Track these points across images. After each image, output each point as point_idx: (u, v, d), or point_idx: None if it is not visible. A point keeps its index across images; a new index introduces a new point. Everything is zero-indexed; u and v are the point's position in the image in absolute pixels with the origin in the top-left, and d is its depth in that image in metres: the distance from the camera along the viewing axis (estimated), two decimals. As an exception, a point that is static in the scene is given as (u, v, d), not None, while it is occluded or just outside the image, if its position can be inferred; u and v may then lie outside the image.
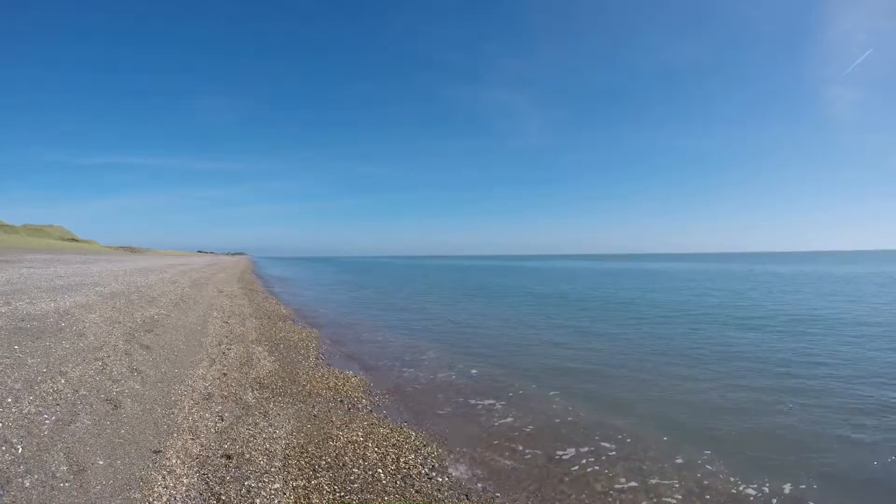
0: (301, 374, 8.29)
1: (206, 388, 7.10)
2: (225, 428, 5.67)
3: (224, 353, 9.25)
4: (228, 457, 4.88)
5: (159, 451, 4.75)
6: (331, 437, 5.64)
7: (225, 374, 7.89)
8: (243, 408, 6.52)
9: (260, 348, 9.92)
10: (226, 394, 7.03)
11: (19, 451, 3.79)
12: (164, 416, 5.68)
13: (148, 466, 4.37)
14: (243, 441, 5.34)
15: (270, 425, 5.91)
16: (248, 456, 5.00)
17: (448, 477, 4.95)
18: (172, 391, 6.78)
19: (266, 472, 4.67)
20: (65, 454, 4.00)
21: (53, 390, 5.20)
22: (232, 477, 4.49)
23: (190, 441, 5.15)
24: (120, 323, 10.47)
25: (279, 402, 6.88)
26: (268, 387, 7.45)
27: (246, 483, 4.38)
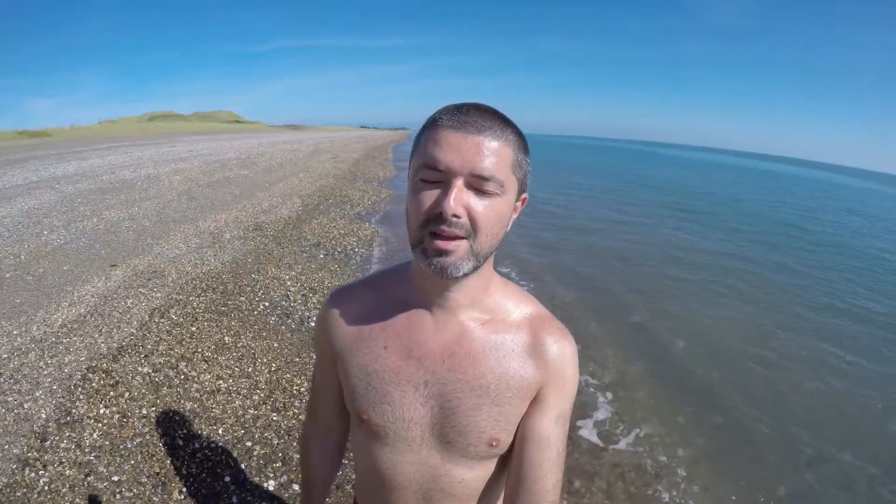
0: (315, 223, 8.56)
1: (207, 228, 7.69)
2: (176, 256, 6.17)
3: (259, 202, 9.85)
4: (154, 272, 5.36)
5: (115, 265, 5.34)
6: (259, 271, 5.87)
7: (237, 218, 8.44)
8: (217, 241, 6.99)
9: (297, 200, 10.39)
10: (215, 231, 7.55)
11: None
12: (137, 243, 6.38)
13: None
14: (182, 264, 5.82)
15: (216, 256, 6.29)
16: (166, 272, 5.47)
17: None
18: (173, 228, 7.53)
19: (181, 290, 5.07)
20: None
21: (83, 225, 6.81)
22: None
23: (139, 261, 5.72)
24: (193, 181, 11.68)
25: (253, 240, 7.22)
26: (262, 229, 7.84)
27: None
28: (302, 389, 3.53)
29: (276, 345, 4.10)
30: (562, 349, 0.91)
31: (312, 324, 4.61)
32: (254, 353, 3.90)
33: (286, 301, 5.07)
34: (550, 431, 0.91)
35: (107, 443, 2.75)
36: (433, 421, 0.89)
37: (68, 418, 2.89)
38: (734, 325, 6.13)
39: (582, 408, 3.83)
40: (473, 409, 0.87)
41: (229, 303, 4.84)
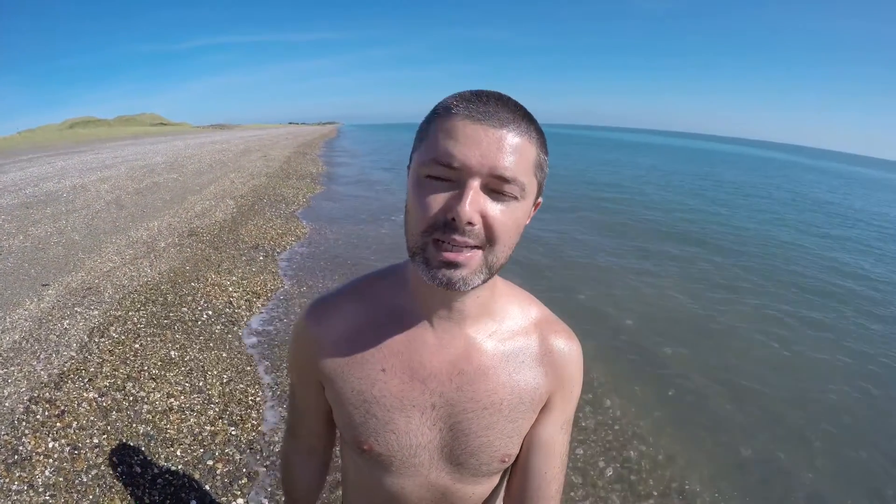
0: (251, 224, 8.38)
1: (140, 237, 7.44)
2: (110, 269, 5.95)
3: (191, 207, 9.57)
4: (88, 289, 5.16)
5: (47, 284, 5.09)
6: (199, 279, 5.71)
7: (170, 224, 8.19)
8: (152, 250, 6.78)
9: (231, 202, 10.14)
10: (148, 240, 7.33)
11: None
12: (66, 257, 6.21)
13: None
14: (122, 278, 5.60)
15: (151, 267, 6.09)
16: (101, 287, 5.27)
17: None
18: (104, 240, 7.29)
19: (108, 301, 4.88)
20: None
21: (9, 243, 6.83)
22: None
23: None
24: (121, 189, 11.23)
25: (189, 247, 7.04)
26: (197, 234, 7.63)
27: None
28: (258, 399, 3.47)
29: (224, 355, 4.02)
30: (570, 354, 0.87)
31: (256, 327, 4.56)
32: (203, 366, 3.81)
33: (230, 308, 4.97)
34: (556, 438, 0.88)
35: (61, 479, 2.61)
36: (442, 444, 0.83)
37: (16, 457, 2.73)
38: (677, 300, 6.35)
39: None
40: (486, 429, 0.81)
41: (171, 314, 4.71)
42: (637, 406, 3.85)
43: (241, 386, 3.61)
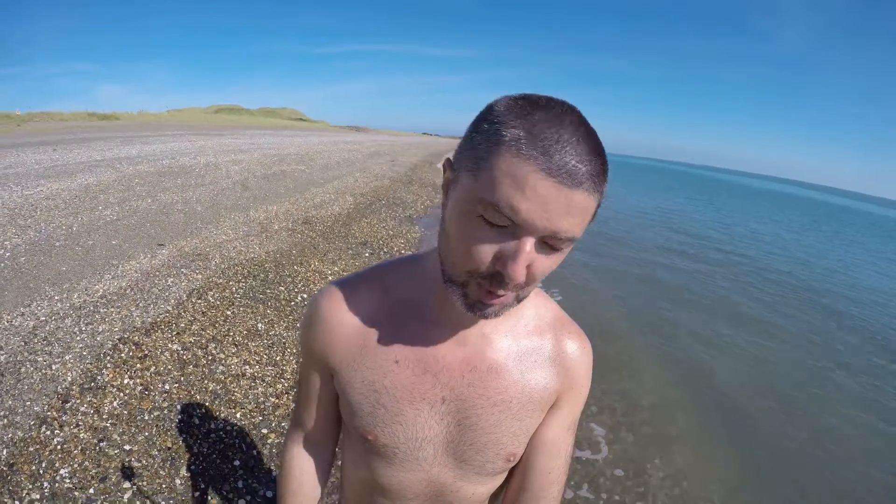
0: (364, 222, 8.67)
1: (257, 218, 7.89)
2: (223, 241, 6.32)
3: (311, 198, 10.03)
4: (198, 255, 5.53)
5: (162, 244, 5.53)
6: (302, 263, 5.96)
7: (287, 210, 8.62)
8: (265, 231, 7.14)
9: (350, 198, 10.53)
10: (264, 221, 7.74)
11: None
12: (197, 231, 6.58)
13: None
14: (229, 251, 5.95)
15: (261, 245, 6.42)
16: (210, 256, 5.61)
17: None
18: (224, 215, 7.76)
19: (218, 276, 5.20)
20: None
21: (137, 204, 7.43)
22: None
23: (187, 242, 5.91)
24: (250, 172, 12.00)
25: (300, 233, 7.36)
26: (311, 223, 7.98)
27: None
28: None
29: (308, 337, 4.11)
30: (582, 355, 0.87)
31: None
32: (284, 343, 3.93)
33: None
34: (562, 440, 0.87)
35: (125, 412, 2.81)
36: (448, 439, 0.83)
37: (92, 384, 2.97)
38: (784, 360, 5.90)
39: (613, 429, 3.72)
40: (494, 426, 0.81)
41: (268, 291, 4.90)
42: (714, 464, 3.63)
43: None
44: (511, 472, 0.91)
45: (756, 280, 9.99)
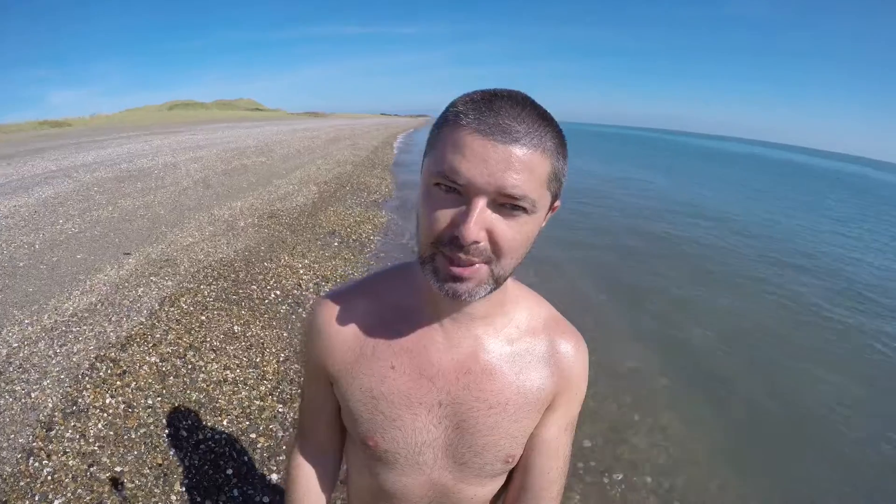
0: (331, 211, 8.59)
1: (222, 216, 7.77)
2: (189, 244, 6.22)
3: (275, 190, 9.91)
4: (166, 261, 5.44)
5: (128, 253, 5.42)
6: (272, 259, 5.88)
7: (252, 206, 8.50)
8: (231, 229, 7.06)
9: (314, 187, 10.42)
10: (229, 218, 7.65)
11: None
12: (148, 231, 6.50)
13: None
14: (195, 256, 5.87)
15: (228, 245, 6.34)
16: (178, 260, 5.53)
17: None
18: (188, 216, 7.64)
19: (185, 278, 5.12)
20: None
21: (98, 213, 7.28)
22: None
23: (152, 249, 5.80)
24: (210, 169, 11.79)
25: (267, 228, 7.28)
26: (277, 216, 7.89)
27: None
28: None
29: (285, 335, 4.11)
30: (577, 356, 0.87)
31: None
32: (263, 343, 3.91)
33: (298, 290, 5.09)
34: (560, 440, 0.88)
35: (111, 433, 2.77)
36: (447, 442, 0.84)
37: (74, 408, 2.92)
38: (757, 318, 6.03)
39: (599, 399, 3.78)
40: (491, 428, 0.82)
41: (240, 291, 4.86)
42: (696, 428, 3.67)
43: (297, 366, 3.67)
44: (511, 472, 0.91)
45: (711, 239, 10.19)
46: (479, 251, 0.65)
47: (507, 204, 0.63)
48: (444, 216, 0.65)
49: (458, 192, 0.63)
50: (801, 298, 6.74)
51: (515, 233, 0.65)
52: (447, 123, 0.65)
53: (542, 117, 0.64)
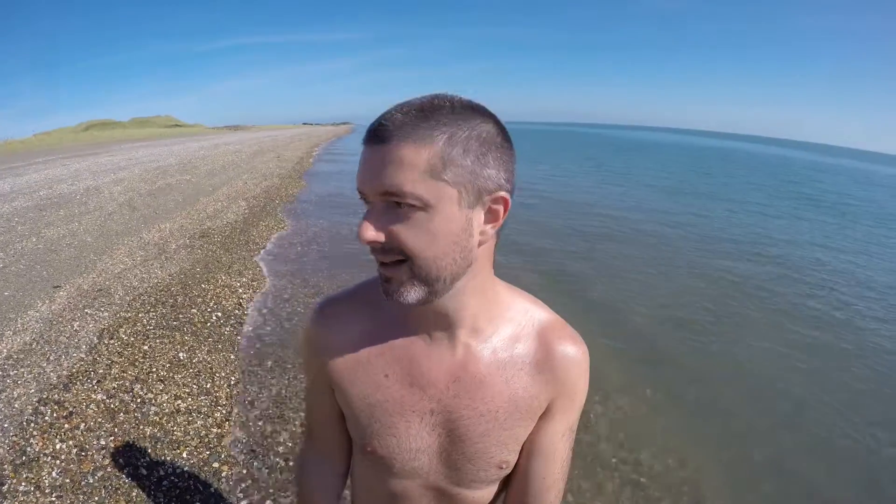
0: (262, 225, 8.47)
1: (152, 239, 7.52)
2: (121, 271, 6.02)
3: (203, 208, 9.65)
4: (99, 290, 5.23)
5: (58, 285, 5.21)
6: (209, 280, 5.75)
7: (182, 226, 8.25)
8: (163, 252, 6.86)
9: (243, 203, 10.22)
10: (159, 241, 7.42)
11: None
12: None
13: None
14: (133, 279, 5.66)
15: (162, 268, 6.15)
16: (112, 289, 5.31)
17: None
18: (116, 242, 7.37)
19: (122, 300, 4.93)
20: None
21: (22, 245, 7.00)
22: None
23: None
24: (134, 191, 11.34)
25: (200, 248, 7.11)
26: (208, 235, 7.69)
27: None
28: (263, 400, 3.50)
29: (232, 357, 4.04)
30: (573, 360, 0.83)
31: (267, 329, 4.58)
32: (211, 368, 3.83)
33: (239, 309, 5.00)
34: (557, 446, 0.88)
35: (67, 480, 2.63)
36: (441, 449, 0.84)
37: (24, 458, 2.76)
38: (691, 296, 6.31)
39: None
40: (482, 436, 0.82)
41: (181, 316, 4.74)
42: (651, 407, 3.84)
43: (251, 387, 3.61)
44: (510, 476, 0.91)
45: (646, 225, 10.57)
46: (387, 250, 0.67)
47: (400, 203, 0.64)
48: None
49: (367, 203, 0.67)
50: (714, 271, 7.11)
51: (417, 231, 0.65)
52: None
53: (428, 108, 0.64)
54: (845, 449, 3.52)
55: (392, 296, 0.70)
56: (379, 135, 0.63)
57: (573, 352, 0.84)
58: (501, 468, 0.87)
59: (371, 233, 0.66)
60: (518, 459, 0.89)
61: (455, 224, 0.67)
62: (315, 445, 1.03)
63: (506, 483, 0.95)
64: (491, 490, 0.93)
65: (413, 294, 0.70)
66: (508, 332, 0.83)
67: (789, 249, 8.83)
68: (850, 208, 15.09)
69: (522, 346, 0.83)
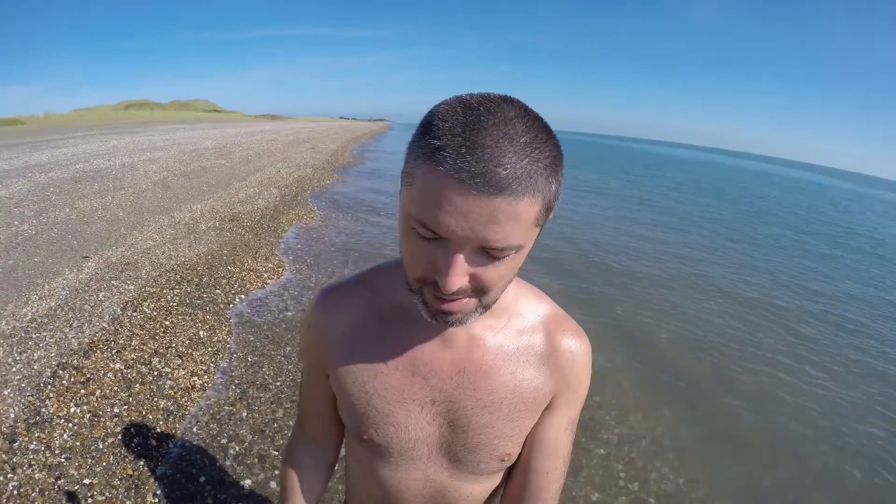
0: (293, 213, 8.50)
1: (183, 218, 7.56)
2: (150, 247, 6.04)
3: (235, 193, 9.71)
4: (127, 264, 5.24)
5: (87, 256, 5.19)
6: (235, 263, 5.76)
7: (213, 208, 8.30)
8: (192, 232, 6.88)
9: (275, 190, 10.26)
10: (190, 221, 7.45)
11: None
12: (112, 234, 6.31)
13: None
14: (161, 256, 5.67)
15: (190, 248, 6.17)
16: (140, 264, 5.33)
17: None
18: (147, 219, 7.40)
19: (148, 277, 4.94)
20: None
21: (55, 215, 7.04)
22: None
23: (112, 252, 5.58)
24: (169, 171, 11.47)
25: (229, 231, 7.12)
26: (239, 219, 7.72)
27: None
28: (278, 383, 3.48)
29: (251, 338, 4.02)
30: (577, 353, 0.83)
31: (289, 314, 4.55)
32: (229, 349, 3.82)
33: (262, 293, 4.99)
34: (560, 439, 0.86)
35: (77, 444, 2.65)
36: (441, 439, 0.82)
37: (38, 418, 2.78)
38: (717, 319, 6.15)
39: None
40: (485, 427, 0.80)
41: (204, 296, 4.74)
42: (664, 426, 3.72)
43: (264, 370, 3.57)
44: (510, 470, 0.90)
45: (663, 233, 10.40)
46: (463, 291, 0.62)
47: (491, 253, 0.59)
48: (425, 260, 0.61)
49: (437, 238, 0.59)
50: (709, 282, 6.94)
51: (502, 271, 0.62)
52: (423, 157, 0.56)
53: (532, 142, 0.55)
54: (860, 494, 3.39)
55: (451, 324, 0.67)
56: (490, 184, 0.52)
57: (577, 345, 0.84)
58: (503, 461, 0.85)
59: (459, 282, 0.59)
60: (520, 452, 0.87)
61: (524, 256, 0.65)
62: (304, 432, 1.01)
63: (504, 478, 0.93)
64: (490, 484, 0.90)
65: (473, 318, 0.68)
66: (516, 324, 0.82)
67: (834, 286, 8.52)
68: None
69: (528, 338, 0.82)
